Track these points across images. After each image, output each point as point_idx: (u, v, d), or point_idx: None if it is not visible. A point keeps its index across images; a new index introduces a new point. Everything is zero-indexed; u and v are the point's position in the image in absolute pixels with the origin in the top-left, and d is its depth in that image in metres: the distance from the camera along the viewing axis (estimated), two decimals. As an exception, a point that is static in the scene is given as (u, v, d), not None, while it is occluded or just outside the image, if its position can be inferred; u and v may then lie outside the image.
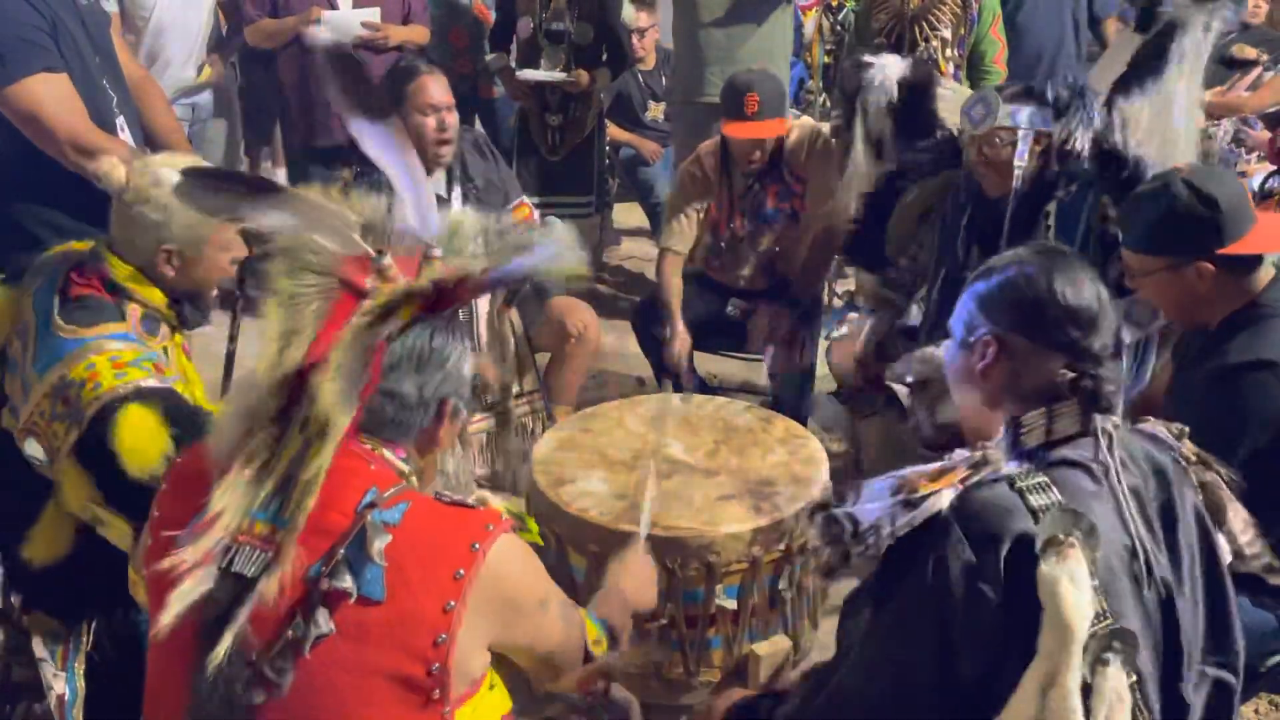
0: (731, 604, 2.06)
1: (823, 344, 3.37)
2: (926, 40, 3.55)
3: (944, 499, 1.22)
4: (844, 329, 3.93)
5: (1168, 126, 2.36)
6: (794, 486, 2.16)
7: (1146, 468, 1.33)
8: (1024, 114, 2.36)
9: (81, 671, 1.73)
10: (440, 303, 1.21)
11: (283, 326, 1.15)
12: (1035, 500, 1.20)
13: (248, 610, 1.08)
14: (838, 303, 4.33)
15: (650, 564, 1.76)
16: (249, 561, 1.09)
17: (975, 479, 1.24)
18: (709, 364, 3.73)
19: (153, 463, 1.59)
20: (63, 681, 1.72)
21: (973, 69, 3.67)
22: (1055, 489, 1.22)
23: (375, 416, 1.20)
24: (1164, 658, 1.27)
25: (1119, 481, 1.26)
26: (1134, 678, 1.19)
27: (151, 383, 1.65)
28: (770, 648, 2.12)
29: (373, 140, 1.29)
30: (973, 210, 2.53)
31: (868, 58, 2.81)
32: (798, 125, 3.36)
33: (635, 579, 1.68)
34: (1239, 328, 1.88)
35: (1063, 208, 2.39)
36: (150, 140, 2.65)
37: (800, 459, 2.26)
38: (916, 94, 2.71)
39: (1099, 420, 1.28)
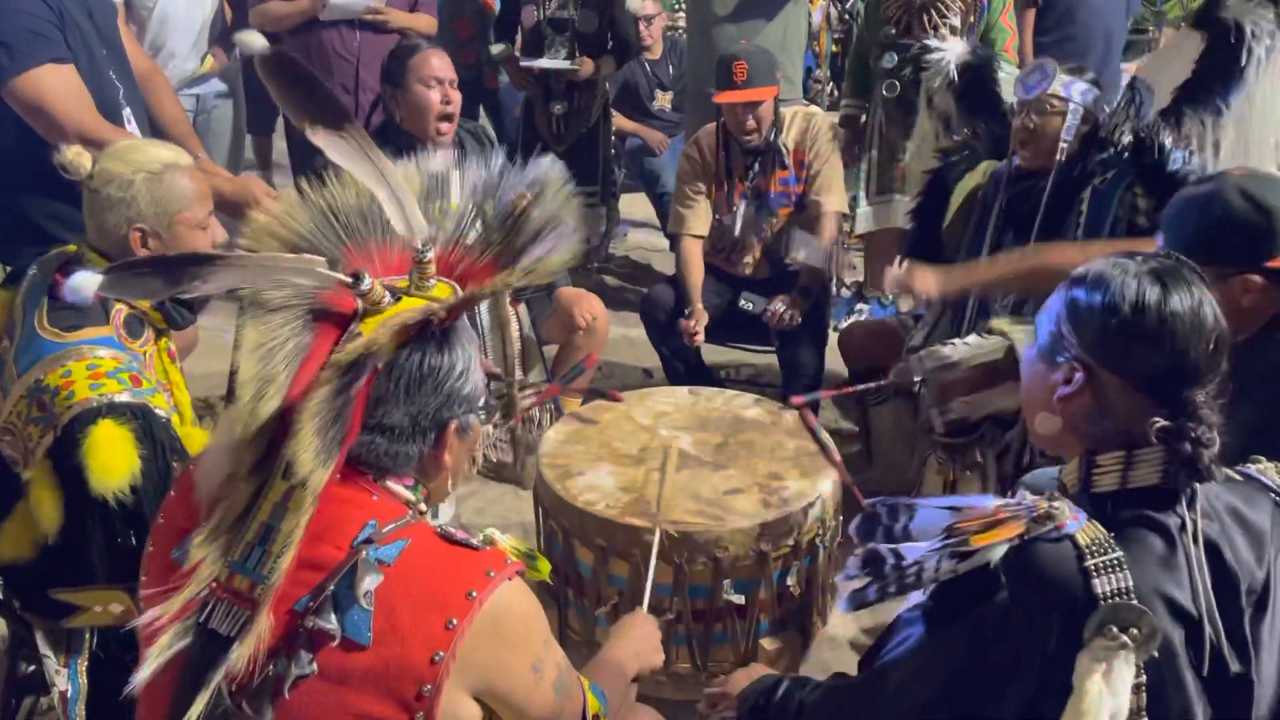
0: (739, 599, 2.05)
1: (832, 334, 3.37)
2: (935, 28, 3.52)
3: (996, 553, 1.13)
4: (854, 319, 3.94)
5: (1252, 139, 2.31)
6: (803, 481, 2.15)
7: (1230, 519, 1.20)
8: (1077, 88, 2.34)
9: (84, 669, 1.72)
10: (429, 324, 1.12)
11: (255, 374, 1.07)
12: (1100, 585, 1.10)
13: (221, 674, 1.03)
14: (845, 293, 4.32)
15: (654, 628, 1.67)
16: (225, 618, 1.05)
17: (1035, 534, 1.13)
18: (719, 356, 3.72)
19: (117, 480, 1.57)
20: (65, 678, 1.71)
21: (981, 58, 3.64)
22: (1127, 570, 1.11)
23: (369, 452, 1.13)
24: None
25: (1196, 544, 1.15)
26: None
27: (125, 397, 1.63)
28: (778, 643, 2.12)
29: (336, 150, 1.19)
30: (1010, 193, 2.52)
31: (932, 42, 2.85)
32: (801, 113, 3.37)
33: (637, 644, 1.60)
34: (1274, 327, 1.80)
35: (1096, 195, 2.38)
36: (157, 131, 2.65)
37: (810, 452, 2.25)
38: (977, 75, 2.72)
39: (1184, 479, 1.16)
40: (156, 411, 1.65)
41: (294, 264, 1.11)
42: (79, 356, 1.65)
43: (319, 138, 1.18)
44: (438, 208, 1.21)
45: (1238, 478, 1.28)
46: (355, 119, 1.20)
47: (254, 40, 1.21)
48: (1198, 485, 1.17)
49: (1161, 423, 1.14)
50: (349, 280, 1.10)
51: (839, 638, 2.47)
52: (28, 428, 1.64)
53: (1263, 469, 1.30)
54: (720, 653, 2.11)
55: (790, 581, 2.10)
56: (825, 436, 2.28)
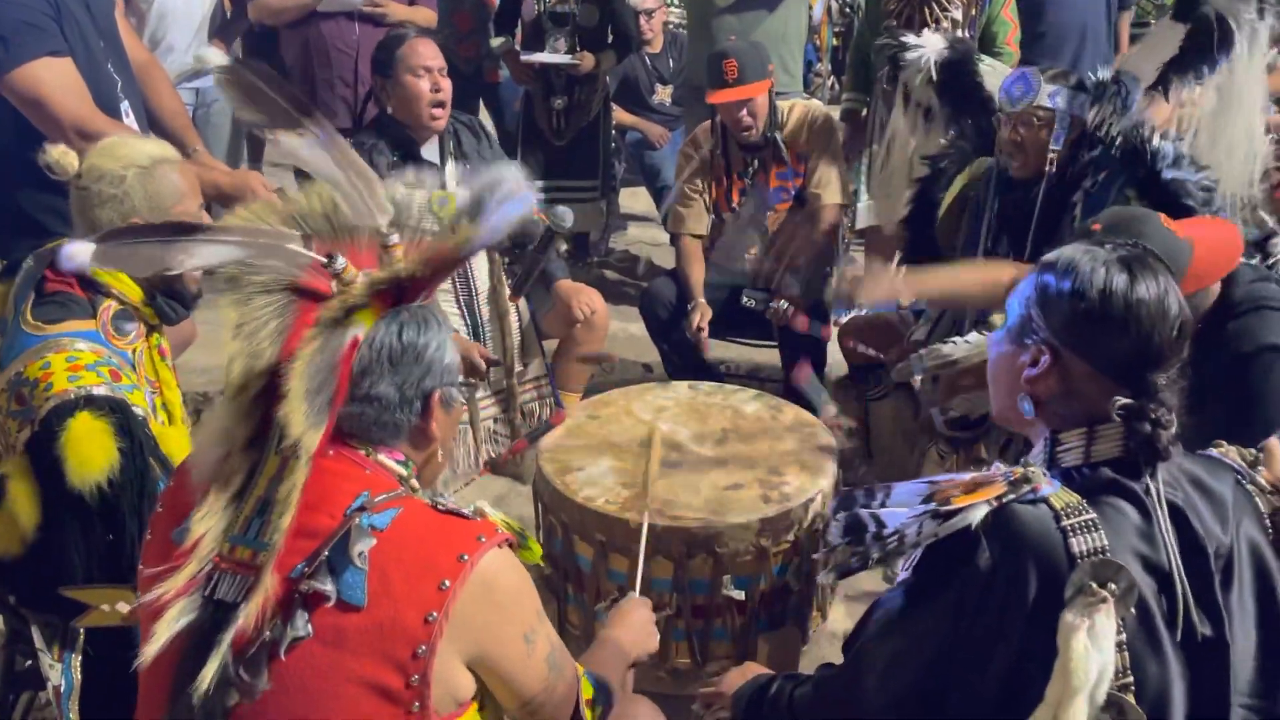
0: (739, 594, 2.05)
1: (833, 330, 3.36)
2: (937, 22, 3.50)
3: (976, 513, 1.15)
4: (853, 314, 3.92)
5: (1231, 127, 2.31)
6: (803, 476, 2.15)
7: (1191, 488, 1.24)
8: (1062, 96, 2.33)
9: (78, 664, 1.71)
10: (404, 296, 1.17)
11: (241, 350, 1.12)
12: (1078, 544, 1.13)
13: (230, 635, 1.07)
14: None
15: (648, 612, 1.68)
16: (231, 588, 1.08)
17: (1012, 497, 1.16)
18: (719, 350, 3.71)
19: (96, 472, 1.56)
20: (59, 673, 1.71)
21: (984, 50, 3.62)
22: (1101, 531, 1.14)
23: (359, 423, 1.17)
24: (1205, 692, 1.20)
25: (1160, 506, 1.18)
26: None
27: (103, 390, 1.61)
28: (778, 639, 2.12)
29: (294, 152, 1.23)
30: (1002, 197, 2.50)
31: (909, 37, 2.82)
32: (799, 106, 3.36)
33: (632, 629, 1.61)
34: (1217, 327, 1.84)
35: (1089, 198, 2.36)
36: (155, 124, 2.63)
37: (810, 448, 2.25)
38: (956, 70, 2.71)
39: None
40: (134, 409, 1.64)
41: (273, 236, 1.16)
42: (58, 349, 1.65)
43: (278, 140, 1.22)
44: (434, 199, 1.23)
45: (1198, 459, 1.31)
46: (319, 111, 1.24)
47: (212, 56, 1.23)
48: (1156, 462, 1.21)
49: (1123, 401, 1.18)
50: (324, 260, 1.15)
51: (838, 633, 2.46)
52: (7, 421, 1.63)
53: (1224, 451, 1.34)
54: (720, 648, 2.10)
55: (790, 577, 2.10)
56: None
